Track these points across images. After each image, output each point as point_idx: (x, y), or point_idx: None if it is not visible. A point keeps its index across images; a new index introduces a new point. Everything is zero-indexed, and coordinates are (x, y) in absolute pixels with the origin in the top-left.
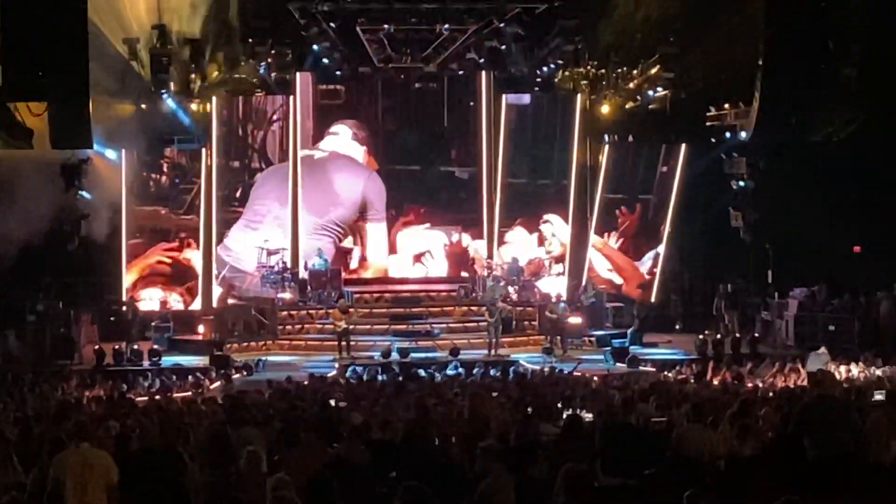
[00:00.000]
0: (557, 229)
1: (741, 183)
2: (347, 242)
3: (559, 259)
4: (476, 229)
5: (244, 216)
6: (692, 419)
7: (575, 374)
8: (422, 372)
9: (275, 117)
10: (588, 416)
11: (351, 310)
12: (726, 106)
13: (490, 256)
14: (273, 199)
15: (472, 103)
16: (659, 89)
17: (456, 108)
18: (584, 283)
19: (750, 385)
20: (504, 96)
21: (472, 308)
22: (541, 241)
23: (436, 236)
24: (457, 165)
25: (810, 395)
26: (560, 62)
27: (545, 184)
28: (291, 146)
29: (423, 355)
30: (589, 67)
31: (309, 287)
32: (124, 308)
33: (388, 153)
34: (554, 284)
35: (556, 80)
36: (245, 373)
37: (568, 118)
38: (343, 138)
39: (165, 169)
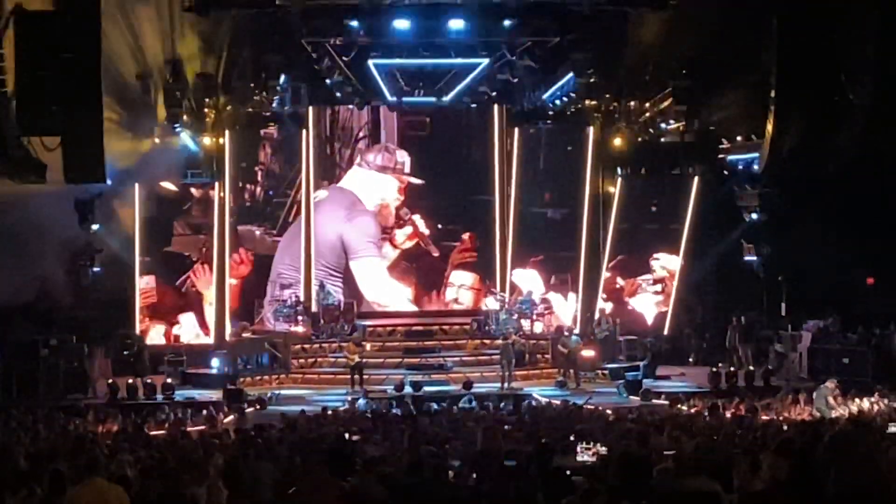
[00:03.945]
0: (665, 262)
1: (754, 215)
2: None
3: (658, 281)
4: (573, 270)
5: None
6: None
7: (588, 407)
8: (435, 405)
9: (361, 134)
10: (602, 450)
11: (364, 343)
12: (739, 138)
13: (503, 290)
14: (287, 257)
15: (569, 147)
16: (671, 122)
17: (554, 151)
18: (597, 315)
19: (764, 418)
20: None
21: (485, 341)
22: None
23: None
24: (550, 206)
25: (841, 427)
26: (572, 95)
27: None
28: (304, 178)
29: (436, 388)
30: (601, 100)
31: (321, 321)
32: (136, 342)
33: (472, 184)
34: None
35: (568, 112)
36: (258, 406)
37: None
38: (356, 172)
39: (260, 178)
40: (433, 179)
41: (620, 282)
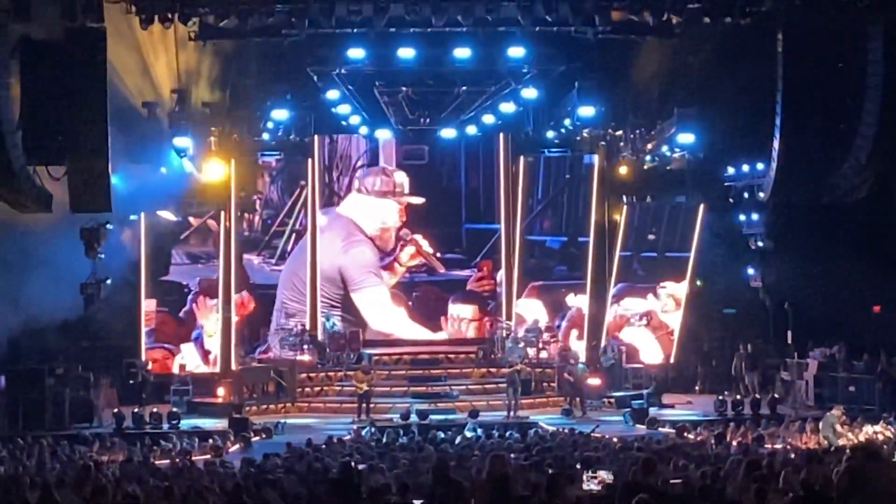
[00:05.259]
0: (673, 290)
1: (760, 243)
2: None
3: (643, 315)
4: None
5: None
6: None
7: (594, 435)
8: (441, 434)
9: (360, 163)
10: (609, 478)
11: (372, 371)
12: (745, 166)
13: (508, 318)
14: (290, 285)
15: (568, 175)
16: (677, 149)
17: (553, 179)
18: (602, 344)
19: (770, 446)
20: None
21: (491, 370)
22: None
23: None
24: (549, 234)
25: (861, 457)
26: (578, 123)
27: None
28: (310, 207)
29: (441, 417)
30: (606, 128)
31: (328, 349)
32: (141, 371)
33: (471, 213)
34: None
35: (573, 140)
36: (264, 436)
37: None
38: (355, 198)
39: (258, 207)
40: (431, 207)
41: (624, 312)
